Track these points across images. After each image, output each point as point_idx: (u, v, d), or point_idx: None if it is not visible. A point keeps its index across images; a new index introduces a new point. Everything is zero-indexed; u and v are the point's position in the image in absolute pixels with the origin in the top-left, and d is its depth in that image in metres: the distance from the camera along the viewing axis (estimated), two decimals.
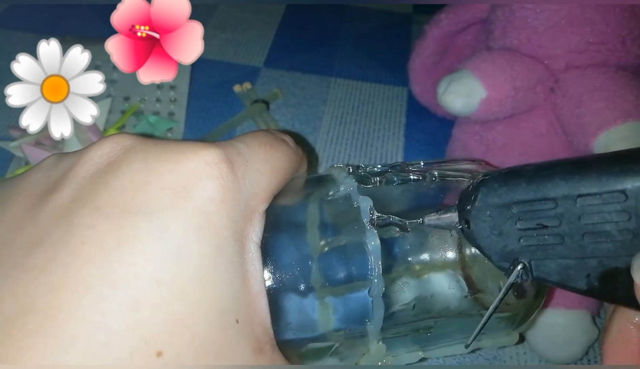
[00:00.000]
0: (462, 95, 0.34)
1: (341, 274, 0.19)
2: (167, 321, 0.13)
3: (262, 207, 0.16)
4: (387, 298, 0.19)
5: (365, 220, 0.19)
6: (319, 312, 0.19)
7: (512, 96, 0.34)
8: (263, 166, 0.17)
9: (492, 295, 0.22)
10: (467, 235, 0.18)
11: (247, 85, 0.51)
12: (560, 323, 0.34)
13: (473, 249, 0.22)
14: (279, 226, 0.19)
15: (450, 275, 0.22)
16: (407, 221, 0.20)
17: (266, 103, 0.49)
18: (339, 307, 0.19)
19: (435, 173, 0.22)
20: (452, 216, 0.19)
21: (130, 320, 0.13)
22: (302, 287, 0.18)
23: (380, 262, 0.19)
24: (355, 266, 0.19)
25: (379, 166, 0.23)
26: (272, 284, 0.18)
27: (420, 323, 0.21)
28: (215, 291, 0.14)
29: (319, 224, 0.20)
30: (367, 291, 0.19)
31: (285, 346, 0.17)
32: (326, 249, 0.19)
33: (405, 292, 0.20)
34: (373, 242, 0.19)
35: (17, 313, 0.12)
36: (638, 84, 0.32)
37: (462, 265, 0.22)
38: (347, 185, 0.20)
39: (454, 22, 0.41)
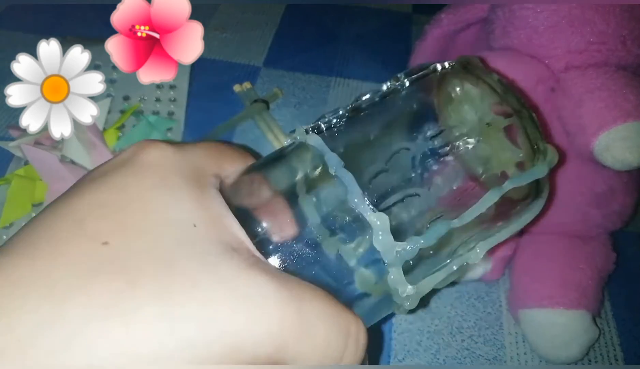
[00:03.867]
0: None
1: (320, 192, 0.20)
2: (117, 222, 0.15)
3: (212, 172, 0.18)
4: (356, 172, 0.19)
5: (302, 129, 0.21)
6: (304, 210, 0.20)
7: None
8: (204, 151, 0.19)
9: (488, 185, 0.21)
10: None
11: (247, 85, 0.51)
12: (560, 323, 0.34)
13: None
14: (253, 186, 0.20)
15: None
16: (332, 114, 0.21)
17: (266, 103, 0.49)
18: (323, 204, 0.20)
19: (369, 96, 0.22)
20: None
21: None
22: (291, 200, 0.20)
23: (324, 144, 0.19)
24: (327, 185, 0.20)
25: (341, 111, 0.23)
26: (258, 230, 0.19)
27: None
28: (165, 206, 0.16)
29: (287, 170, 0.21)
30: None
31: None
32: (300, 188, 0.20)
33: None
34: (314, 141, 0.20)
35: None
36: (638, 84, 0.32)
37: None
38: (297, 132, 0.21)
39: (454, 22, 0.41)
